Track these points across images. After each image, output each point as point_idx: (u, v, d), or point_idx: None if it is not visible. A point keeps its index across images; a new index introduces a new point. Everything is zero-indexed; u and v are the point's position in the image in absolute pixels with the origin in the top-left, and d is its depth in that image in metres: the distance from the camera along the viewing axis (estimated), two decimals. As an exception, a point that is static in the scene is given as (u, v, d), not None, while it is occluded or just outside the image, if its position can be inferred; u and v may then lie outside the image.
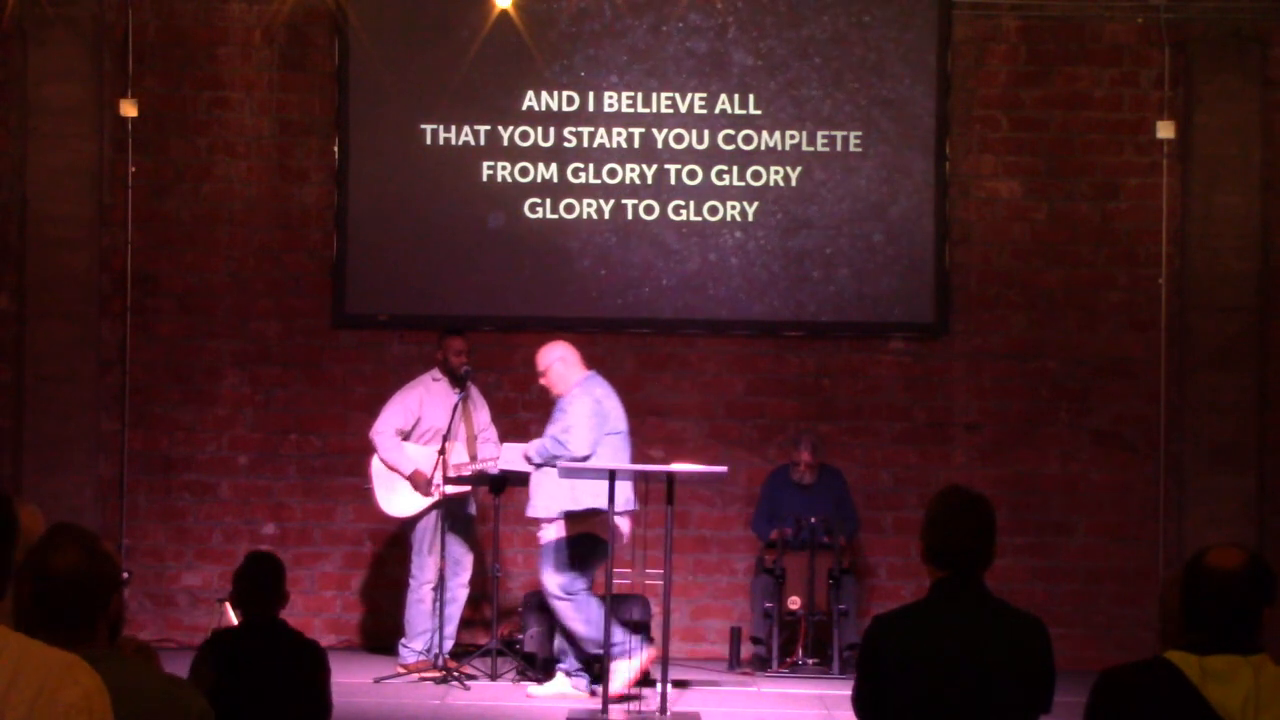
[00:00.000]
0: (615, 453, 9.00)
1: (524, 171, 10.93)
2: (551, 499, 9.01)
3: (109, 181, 10.90)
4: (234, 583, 5.73)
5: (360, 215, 10.95)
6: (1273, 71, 10.83)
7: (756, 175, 10.91)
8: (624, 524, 9.13)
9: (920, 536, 4.23)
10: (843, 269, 10.92)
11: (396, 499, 9.79)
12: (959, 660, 4.06)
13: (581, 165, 10.93)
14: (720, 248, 10.93)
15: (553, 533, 9.07)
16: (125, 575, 3.43)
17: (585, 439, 8.94)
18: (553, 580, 9.03)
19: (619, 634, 8.91)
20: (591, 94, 10.93)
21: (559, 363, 9.17)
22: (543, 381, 9.29)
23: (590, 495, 8.90)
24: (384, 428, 9.82)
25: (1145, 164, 10.90)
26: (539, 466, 9.06)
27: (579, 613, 8.99)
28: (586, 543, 9.01)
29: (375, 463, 9.84)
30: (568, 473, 8.87)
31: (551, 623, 9.40)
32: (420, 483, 9.65)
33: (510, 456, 9.60)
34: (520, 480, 9.71)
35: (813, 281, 10.93)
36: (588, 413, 8.99)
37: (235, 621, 9.47)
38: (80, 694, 2.49)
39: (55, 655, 2.52)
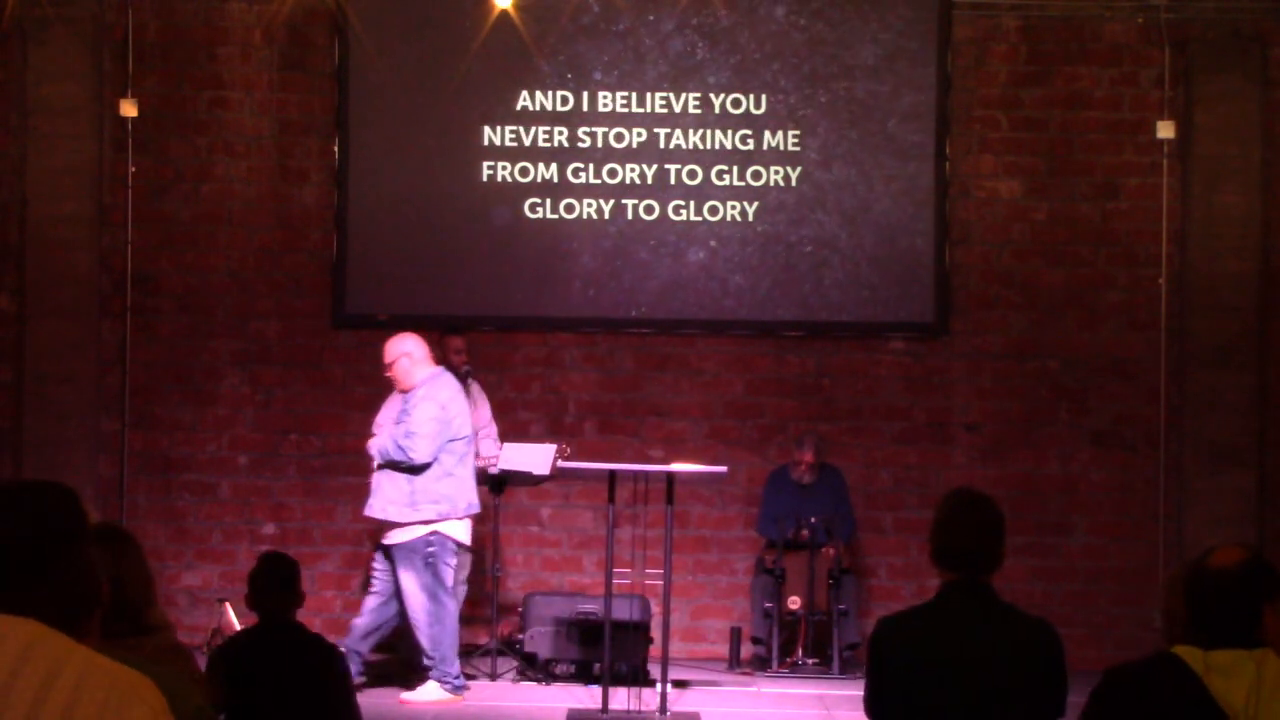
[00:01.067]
0: (459, 460, 8.96)
1: (524, 171, 10.93)
2: (389, 503, 8.93)
3: (109, 181, 10.90)
4: (248, 583, 5.71)
5: (360, 215, 10.95)
6: (1273, 71, 10.83)
7: (756, 175, 10.91)
8: (467, 528, 9.08)
9: (929, 538, 4.23)
10: (842, 269, 10.91)
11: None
12: (963, 662, 4.06)
13: (582, 165, 10.93)
14: (720, 248, 10.93)
15: (400, 536, 8.95)
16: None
17: (427, 447, 8.83)
18: (411, 584, 8.94)
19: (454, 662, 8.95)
20: (591, 94, 10.93)
21: (405, 358, 9.05)
22: (388, 374, 9.20)
23: (430, 505, 8.86)
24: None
25: (1145, 164, 10.90)
26: (380, 467, 9.00)
27: (439, 621, 8.90)
28: (439, 546, 8.92)
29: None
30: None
31: (557, 625, 9.46)
32: None
33: (511, 455, 9.61)
34: (522, 480, 9.73)
35: (812, 281, 10.92)
36: (431, 418, 8.86)
37: (235, 621, 9.50)
38: (148, 713, 2.47)
39: (122, 673, 2.49)
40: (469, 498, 9.00)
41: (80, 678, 2.43)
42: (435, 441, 8.84)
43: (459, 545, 9.00)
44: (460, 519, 8.95)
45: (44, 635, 2.48)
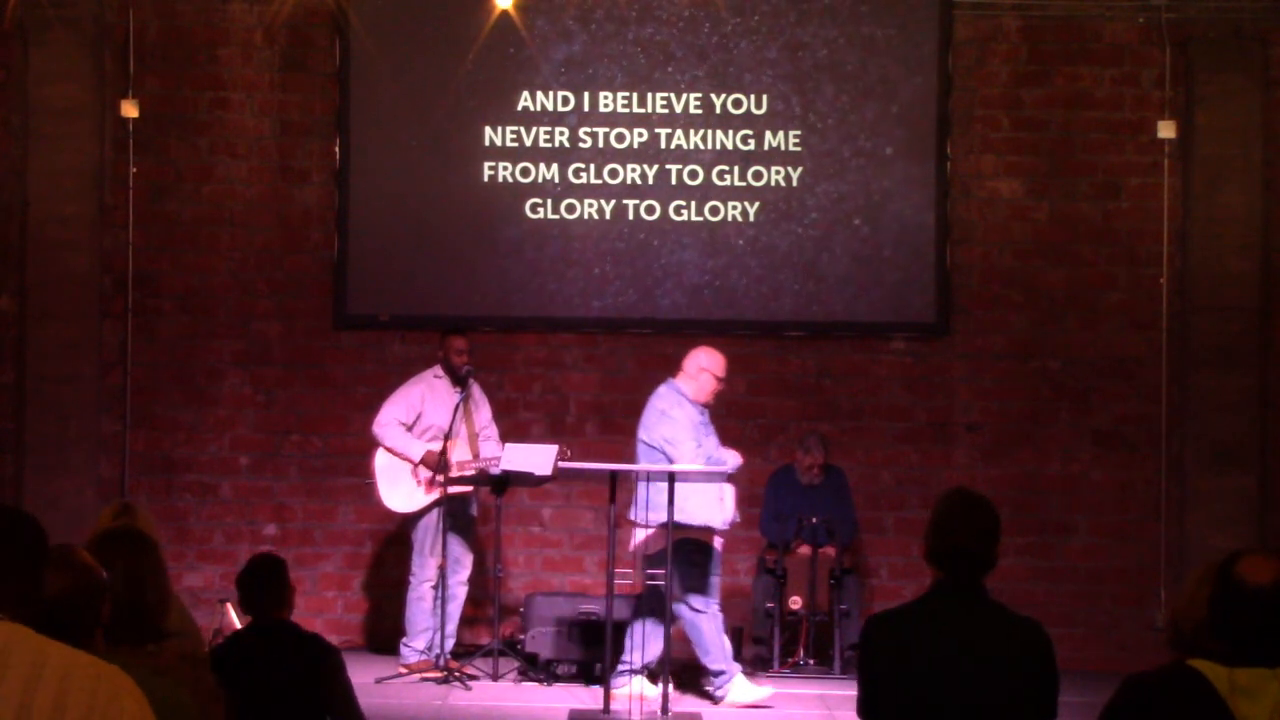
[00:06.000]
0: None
1: (525, 172, 10.93)
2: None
3: (110, 182, 10.90)
4: (237, 586, 5.69)
5: (361, 216, 10.95)
6: (1274, 71, 10.83)
7: (758, 175, 10.91)
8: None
9: (923, 537, 4.21)
10: (844, 269, 10.92)
11: (399, 495, 9.77)
12: (951, 660, 4.04)
13: (583, 165, 10.93)
14: (721, 248, 10.93)
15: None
16: (105, 575, 3.41)
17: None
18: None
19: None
20: (592, 94, 10.93)
21: None
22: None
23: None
24: (386, 419, 9.79)
25: (1146, 164, 10.90)
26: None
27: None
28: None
29: (378, 458, 9.81)
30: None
31: (559, 625, 9.57)
32: (432, 462, 9.60)
33: (512, 456, 9.59)
34: (522, 480, 9.70)
35: (814, 281, 10.93)
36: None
37: (236, 621, 9.49)
38: (135, 704, 2.48)
39: (104, 667, 2.50)
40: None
41: (64, 673, 2.44)
42: None
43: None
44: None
45: (19, 634, 2.47)
